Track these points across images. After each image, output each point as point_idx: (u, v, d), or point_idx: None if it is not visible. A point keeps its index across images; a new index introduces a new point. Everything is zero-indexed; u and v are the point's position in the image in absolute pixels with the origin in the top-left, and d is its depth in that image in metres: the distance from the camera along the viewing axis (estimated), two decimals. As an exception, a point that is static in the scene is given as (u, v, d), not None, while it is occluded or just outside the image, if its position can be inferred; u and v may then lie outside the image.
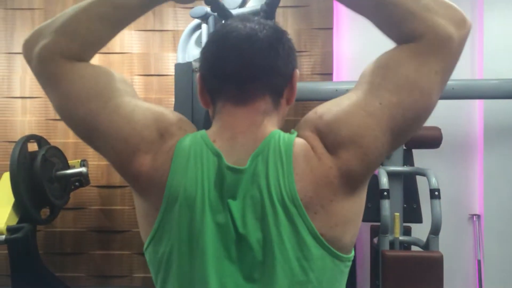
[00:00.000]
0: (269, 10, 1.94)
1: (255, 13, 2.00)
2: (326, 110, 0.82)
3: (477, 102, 2.94)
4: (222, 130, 0.83)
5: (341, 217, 0.78)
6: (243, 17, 0.88)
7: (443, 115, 2.87)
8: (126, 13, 0.87)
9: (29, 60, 0.87)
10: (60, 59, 0.83)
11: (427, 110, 0.79)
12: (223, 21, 2.11)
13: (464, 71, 2.94)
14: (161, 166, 0.80)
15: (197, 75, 0.89)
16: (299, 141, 0.80)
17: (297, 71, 0.88)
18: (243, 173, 0.78)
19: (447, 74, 0.79)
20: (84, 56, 0.86)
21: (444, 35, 0.76)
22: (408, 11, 0.77)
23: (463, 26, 0.79)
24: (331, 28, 2.98)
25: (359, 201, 0.82)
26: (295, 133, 0.82)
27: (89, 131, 0.85)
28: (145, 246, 0.86)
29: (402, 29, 0.79)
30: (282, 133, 0.82)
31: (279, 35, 0.86)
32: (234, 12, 2.08)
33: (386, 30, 0.83)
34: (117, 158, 0.83)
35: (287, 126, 0.87)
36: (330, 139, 0.78)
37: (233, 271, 0.78)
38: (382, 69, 0.81)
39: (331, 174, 0.77)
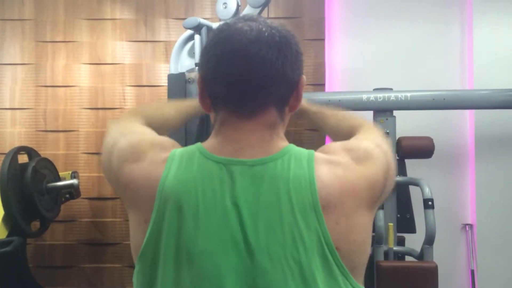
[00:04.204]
0: None
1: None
2: (342, 142, 0.88)
3: (468, 112, 2.96)
4: (224, 144, 0.80)
5: (360, 232, 0.76)
6: (248, 17, 0.82)
7: (434, 125, 2.90)
8: (185, 109, 1.28)
9: (118, 119, 1.04)
10: (140, 116, 1.05)
11: (394, 168, 0.92)
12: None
13: (454, 81, 2.97)
14: (152, 174, 0.78)
15: (197, 76, 0.84)
16: (320, 154, 0.80)
17: (304, 77, 0.84)
18: (253, 167, 0.75)
19: None
20: (155, 128, 1.01)
21: (376, 128, 1.03)
22: (349, 117, 1.17)
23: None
24: (323, 39, 2.99)
25: (372, 221, 0.81)
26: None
27: (109, 161, 0.90)
28: (136, 266, 0.80)
29: (349, 123, 1.11)
30: (299, 147, 0.81)
31: (287, 39, 0.80)
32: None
33: (337, 132, 1.17)
34: (112, 172, 0.85)
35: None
36: (359, 152, 0.81)
37: (234, 280, 0.72)
38: (360, 136, 0.98)
39: (360, 184, 0.76)
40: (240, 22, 0.81)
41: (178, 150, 0.81)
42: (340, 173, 0.75)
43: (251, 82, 0.77)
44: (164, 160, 0.79)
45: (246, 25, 0.79)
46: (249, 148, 0.79)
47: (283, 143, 0.81)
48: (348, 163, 0.77)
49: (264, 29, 0.79)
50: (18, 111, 3.01)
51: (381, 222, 2.32)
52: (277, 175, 0.74)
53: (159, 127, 1.04)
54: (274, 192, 0.73)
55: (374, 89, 2.58)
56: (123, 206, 2.98)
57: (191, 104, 1.28)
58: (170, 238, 0.74)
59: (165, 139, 0.87)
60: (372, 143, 0.87)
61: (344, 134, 1.05)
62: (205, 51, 0.82)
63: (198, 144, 0.82)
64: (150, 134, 0.92)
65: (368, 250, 0.81)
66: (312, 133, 2.95)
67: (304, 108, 1.29)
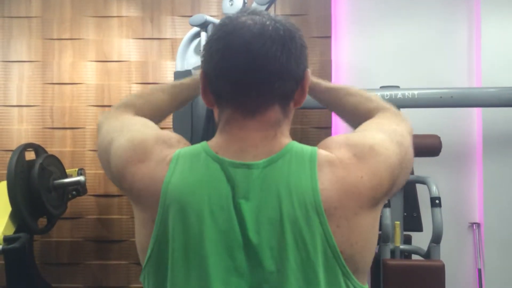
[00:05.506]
0: None
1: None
2: (347, 135, 0.84)
3: (475, 110, 2.94)
4: (228, 143, 0.79)
5: (362, 234, 0.74)
6: (251, 10, 0.80)
7: (442, 123, 2.89)
8: (180, 91, 1.12)
9: (107, 114, 1.01)
10: (131, 108, 1.02)
11: (412, 158, 0.87)
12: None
13: (462, 79, 2.95)
14: (157, 174, 0.77)
15: (200, 72, 0.83)
16: (323, 151, 0.77)
17: (309, 71, 0.82)
18: (254, 170, 0.74)
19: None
20: (148, 116, 1.00)
21: (398, 113, 1.00)
22: (367, 98, 1.05)
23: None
24: (330, 37, 2.98)
25: (377, 220, 0.79)
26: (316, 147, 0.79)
27: (107, 160, 0.88)
28: (143, 266, 0.80)
29: (368, 106, 1.02)
30: (302, 144, 0.79)
31: (292, 32, 0.78)
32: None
33: (353, 115, 1.06)
34: (113, 171, 0.84)
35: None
36: (363, 149, 0.77)
37: (239, 283, 0.72)
38: (373, 124, 0.92)
39: (362, 184, 0.74)
40: (243, 15, 0.78)
41: (183, 150, 0.80)
42: (341, 174, 0.74)
43: (255, 78, 0.76)
44: (169, 160, 0.78)
45: (250, 19, 0.77)
46: (253, 148, 0.77)
47: (285, 140, 0.79)
48: (350, 161, 0.75)
49: (268, 22, 0.76)
50: (25, 108, 3.02)
51: (387, 221, 2.31)
52: (277, 178, 0.74)
53: (152, 117, 1.00)
54: (275, 195, 0.73)
55: (380, 87, 2.57)
56: (130, 203, 2.98)
57: (187, 84, 1.11)
58: (177, 240, 0.74)
59: (169, 135, 0.85)
60: (384, 134, 0.83)
61: (360, 117, 0.98)
62: (207, 46, 0.80)
63: (204, 143, 0.80)
64: (151, 129, 0.89)
65: (372, 250, 0.79)
66: (319, 131, 2.94)
67: (313, 84, 1.09)
